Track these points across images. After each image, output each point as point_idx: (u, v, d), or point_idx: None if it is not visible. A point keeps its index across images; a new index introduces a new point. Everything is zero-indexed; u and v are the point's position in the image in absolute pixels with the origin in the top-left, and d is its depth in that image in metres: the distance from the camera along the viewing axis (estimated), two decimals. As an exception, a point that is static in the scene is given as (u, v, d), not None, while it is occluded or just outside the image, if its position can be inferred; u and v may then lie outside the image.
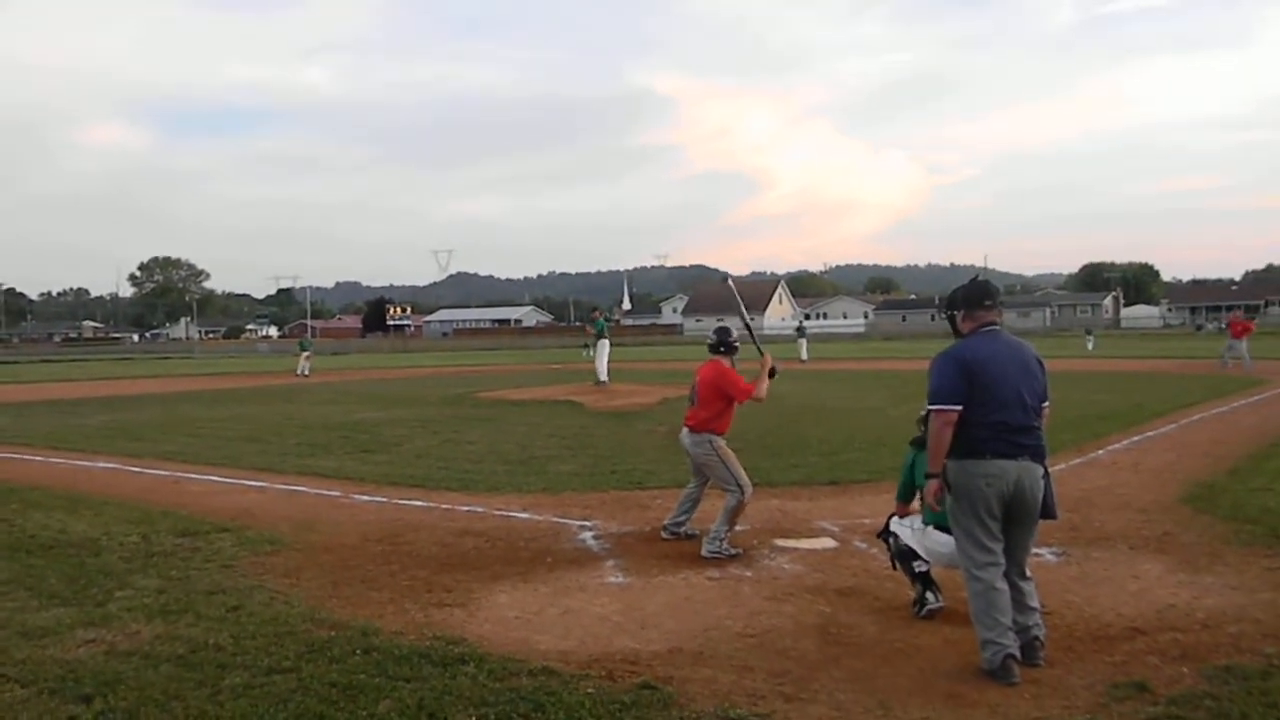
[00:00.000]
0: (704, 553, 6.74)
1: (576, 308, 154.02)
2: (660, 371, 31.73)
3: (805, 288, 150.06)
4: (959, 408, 4.53)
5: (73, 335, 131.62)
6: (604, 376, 23.23)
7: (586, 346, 26.68)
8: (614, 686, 4.35)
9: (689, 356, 40.93)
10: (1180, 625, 5.09)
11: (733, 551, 6.76)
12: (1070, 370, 27.54)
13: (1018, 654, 4.46)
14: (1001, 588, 4.54)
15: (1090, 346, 44.16)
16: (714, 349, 7.31)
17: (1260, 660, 4.52)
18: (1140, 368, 28.94)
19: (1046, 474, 4.70)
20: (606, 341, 23.81)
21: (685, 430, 7.28)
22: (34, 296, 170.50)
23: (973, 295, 4.82)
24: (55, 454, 13.37)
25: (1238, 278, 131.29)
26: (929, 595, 5.36)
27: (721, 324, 7.63)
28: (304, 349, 36.49)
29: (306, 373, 34.46)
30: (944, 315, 5.11)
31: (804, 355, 36.65)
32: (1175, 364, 26.90)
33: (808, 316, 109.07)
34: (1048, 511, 4.71)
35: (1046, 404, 4.77)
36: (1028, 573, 4.75)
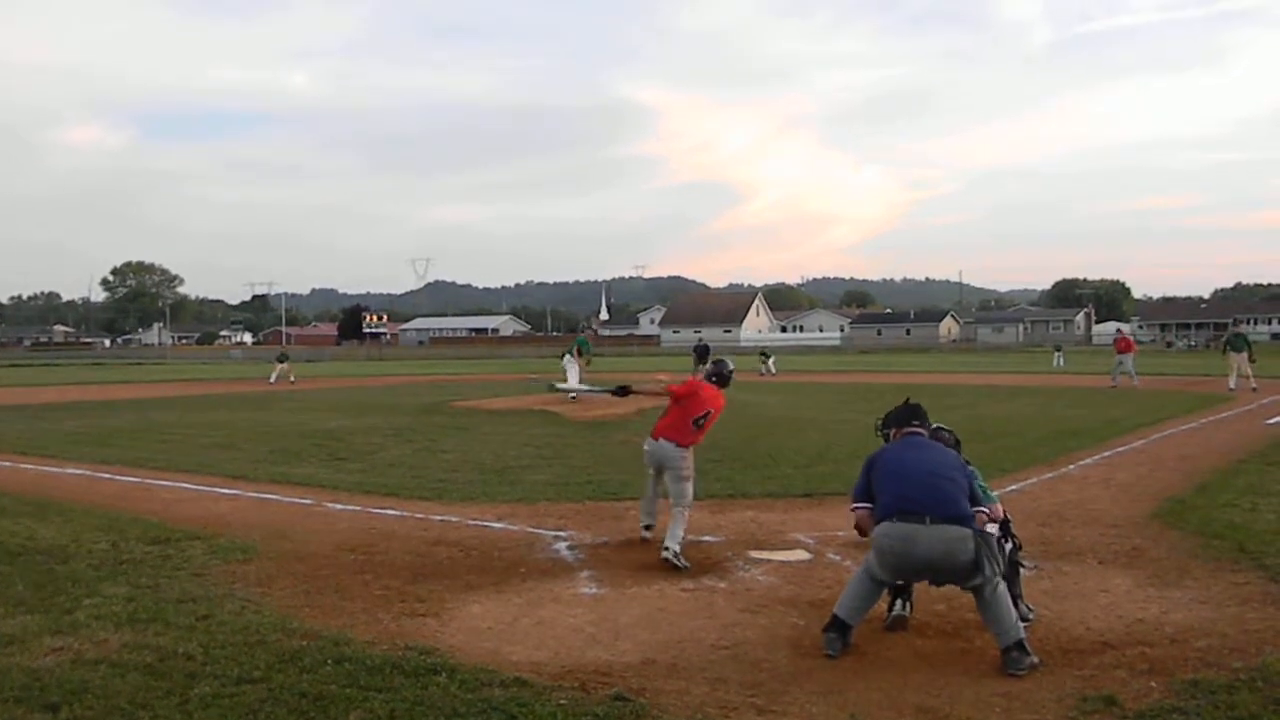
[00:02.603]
0: (664, 555, 6.77)
1: (554, 317, 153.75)
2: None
3: (782, 300, 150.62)
4: (866, 505, 5.29)
5: (43, 340, 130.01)
6: (572, 394, 23.26)
7: (564, 355, 26.82)
8: (587, 698, 4.34)
9: (666, 368, 40.95)
10: (1149, 639, 5.15)
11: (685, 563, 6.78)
12: (1044, 385, 27.82)
13: (844, 635, 4.98)
14: (864, 589, 5.10)
15: (1058, 364, 44.25)
16: (723, 380, 7.51)
17: (1227, 674, 4.57)
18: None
19: (979, 535, 4.90)
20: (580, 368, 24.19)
21: (671, 444, 7.28)
22: (3, 300, 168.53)
23: (902, 417, 5.57)
24: (24, 459, 13.19)
25: (1207, 295, 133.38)
26: (898, 603, 5.48)
27: (720, 357, 7.94)
28: (281, 360, 37.31)
29: (292, 380, 35.19)
30: (879, 434, 5.76)
31: (771, 369, 38.29)
32: (1145, 380, 27.19)
33: (784, 329, 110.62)
34: (977, 565, 4.84)
35: (982, 509, 5.13)
36: (977, 596, 4.90)
